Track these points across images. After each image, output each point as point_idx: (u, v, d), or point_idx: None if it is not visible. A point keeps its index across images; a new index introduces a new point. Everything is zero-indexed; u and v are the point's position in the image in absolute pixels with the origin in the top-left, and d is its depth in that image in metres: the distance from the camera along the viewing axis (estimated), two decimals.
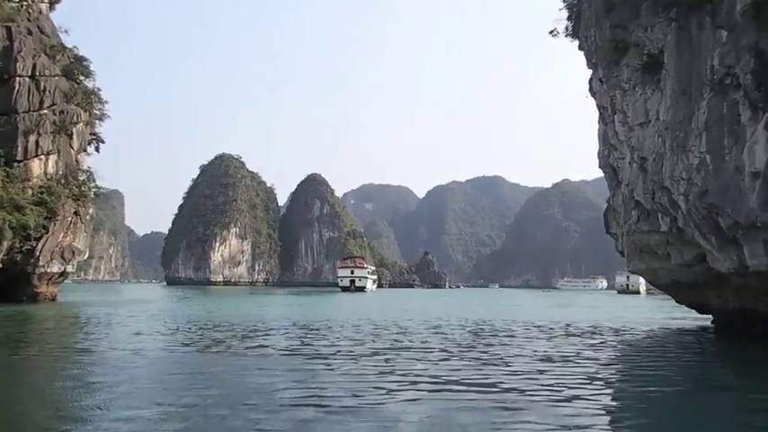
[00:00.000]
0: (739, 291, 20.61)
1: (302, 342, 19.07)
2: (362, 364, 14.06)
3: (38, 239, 40.76)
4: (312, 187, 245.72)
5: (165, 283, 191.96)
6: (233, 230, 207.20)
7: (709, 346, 21.19)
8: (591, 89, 28.51)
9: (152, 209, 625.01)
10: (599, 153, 28.56)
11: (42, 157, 42.95)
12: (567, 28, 29.95)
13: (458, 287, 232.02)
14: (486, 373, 12.79)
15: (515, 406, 9.42)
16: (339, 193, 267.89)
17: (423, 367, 13.61)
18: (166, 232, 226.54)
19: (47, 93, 43.41)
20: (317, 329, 23.90)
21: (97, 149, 51.12)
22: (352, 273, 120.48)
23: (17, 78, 41.79)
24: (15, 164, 41.00)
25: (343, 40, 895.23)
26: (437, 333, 22.91)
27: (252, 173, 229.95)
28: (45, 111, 43.04)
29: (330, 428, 8.01)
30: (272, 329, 23.83)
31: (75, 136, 46.10)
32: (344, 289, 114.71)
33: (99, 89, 50.44)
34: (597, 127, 28.77)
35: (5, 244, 37.97)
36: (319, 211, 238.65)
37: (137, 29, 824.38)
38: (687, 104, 19.27)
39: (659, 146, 20.75)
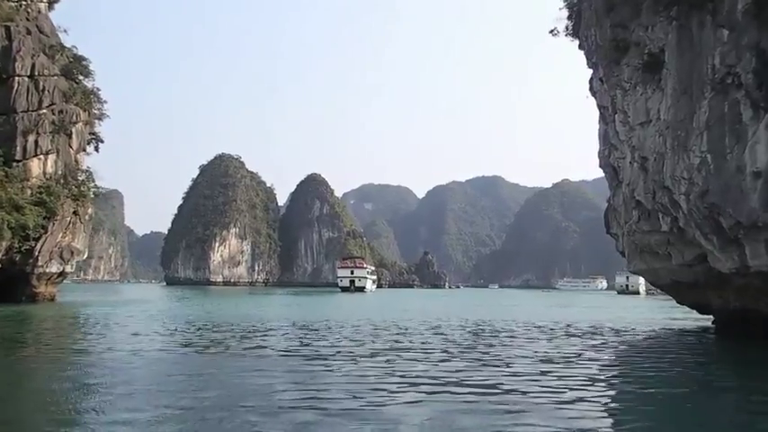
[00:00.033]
0: (740, 291, 20.52)
1: (301, 343, 18.99)
2: (362, 366, 13.97)
3: (37, 239, 40.66)
4: (312, 187, 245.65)
5: (165, 284, 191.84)
6: (233, 230, 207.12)
7: (710, 346, 21.12)
8: (591, 89, 28.43)
9: (152, 209, 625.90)
10: (599, 153, 28.47)
11: (41, 156, 42.86)
12: (567, 27, 29.86)
13: (457, 287, 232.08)
14: (487, 375, 12.70)
15: (517, 408, 9.32)
16: (339, 193, 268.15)
17: (423, 368, 13.52)
18: (166, 232, 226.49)
19: (46, 92, 43.31)
20: (316, 330, 23.82)
21: (96, 149, 51.05)
22: (352, 273, 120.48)
23: (16, 78, 41.69)
24: (14, 163, 40.91)
25: (343, 40, 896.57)
26: (437, 333, 22.83)
27: (251, 173, 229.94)
28: (44, 110, 42.94)
29: (329, 431, 7.91)
30: (271, 330, 23.75)
31: (74, 136, 45.99)
32: (344, 289, 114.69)
33: (98, 89, 50.43)
34: (597, 127, 28.68)
35: (4, 244, 37.87)
36: (319, 212, 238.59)
37: (137, 29, 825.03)
38: (688, 104, 19.19)
39: (660, 145, 20.66)
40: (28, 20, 44.92)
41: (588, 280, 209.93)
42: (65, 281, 52.57)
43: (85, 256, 51.56)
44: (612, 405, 10.35)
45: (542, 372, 13.16)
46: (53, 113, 43.72)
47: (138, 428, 7.80)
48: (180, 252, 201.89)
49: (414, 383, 11.46)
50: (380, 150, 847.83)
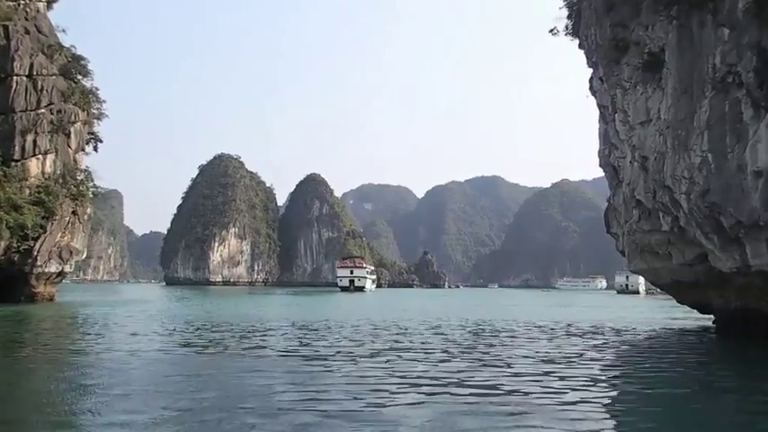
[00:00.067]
0: (741, 290, 20.47)
1: (301, 343, 18.91)
2: (362, 366, 13.89)
3: (35, 239, 40.57)
4: (311, 187, 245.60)
5: (164, 283, 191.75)
6: (232, 230, 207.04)
7: (711, 346, 21.06)
8: (591, 88, 28.36)
9: (151, 209, 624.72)
10: (599, 152, 28.41)
11: (40, 156, 42.78)
12: (567, 27, 29.77)
13: (457, 287, 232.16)
14: (488, 375, 12.61)
15: (519, 409, 9.24)
16: (338, 193, 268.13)
17: (423, 369, 13.44)
18: (165, 232, 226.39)
19: (44, 92, 43.22)
20: (315, 330, 23.74)
21: (95, 149, 50.98)
22: (352, 273, 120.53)
23: (14, 77, 41.59)
24: (13, 163, 40.84)
25: (343, 40, 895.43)
26: (437, 333, 22.75)
27: (251, 173, 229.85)
28: (42, 110, 42.85)
29: None
30: (270, 330, 23.67)
31: (72, 135, 45.89)
32: (344, 289, 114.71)
33: (97, 88, 50.38)
34: (597, 126, 28.62)
35: (3, 244, 37.79)
36: (318, 211, 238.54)
37: (136, 29, 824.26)
38: (689, 103, 19.13)
39: (660, 145, 20.60)
40: (26, 19, 44.83)
41: (588, 279, 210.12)
42: (64, 281, 52.50)
43: (84, 255, 51.48)
44: (615, 406, 10.27)
45: (544, 372, 13.08)
46: (52, 113, 43.64)
47: (135, 430, 7.72)
48: (179, 252, 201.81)
49: (414, 384, 11.38)
50: (380, 150, 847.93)
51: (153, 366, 13.54)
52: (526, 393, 10.57)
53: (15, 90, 41.48)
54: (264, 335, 21.56)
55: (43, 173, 43.05)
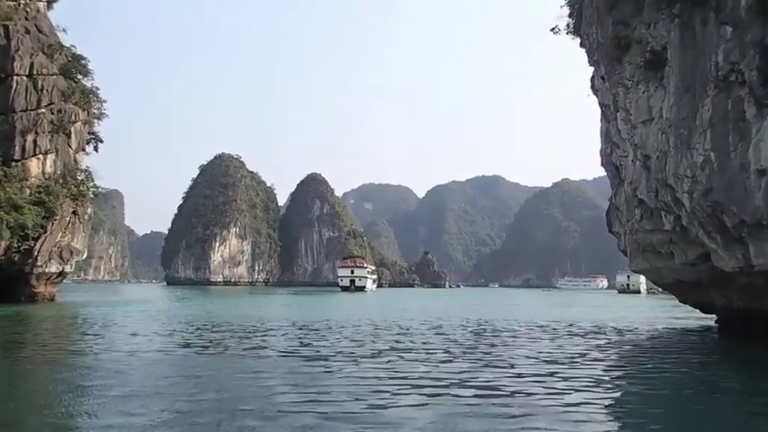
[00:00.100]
0: (744, 290, 20.34)
1: (301, 343, 18.82)
2: (363, 367, 13.79)
3: (36, 239, 40.51)
4: (312, 187, 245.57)
5: (165, 283, 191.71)
6: (233, 230, 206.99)
7: (713, 346, 20.96)
8: (593, 87, 28.25)
9: (152, 209, 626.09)
10: (601, 151, 28.29)
11: (40, 156, 42.71)
12: (568, 25, 29.63)
13: (458, 287, 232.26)
14: (490, 376, 12.51)
15: (523, 411, 9.13)
16: (339, 193, 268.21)
17: (425, 369, 13.34)
18: (166, 232, 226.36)
19: (44, 92, 43.15)
20: (316, 330, 23.65)
21: (96, 149, 50.95)
22: (352, 272, 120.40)
23: (14, 77, 41.51)
24: (13, 163, 40.77)
25: (343, 40, 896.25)
26: (438, 333, 22.66)
27: (251, 172, 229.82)
28: (43, 110, 42.78)
29: None
30: (271, 330, 23.58)
31: (73, 135, 45.83)
32: (344, 289, 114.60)
33: (97, 88, 50.34)
34: (599, 125, 28.52)
35: (3, 244, 37.73)
36: (319, 211, 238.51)
37: (137, 28, 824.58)
38: (691, 101, 18.99)
39: (663, 143, 20.48)
40: (27, 19, 44.75)
41: (589, 279, 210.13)
42: (65, 281, 52.45)
43: (85, 255, 51.41)
44: (618, 408, 10.17)
45: (547, 373, 12.97)
46: (52, 113, 43.57)
47: None
48: (180, 252, 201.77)
49: (416, 385, 11.28)
50: (380, 150, 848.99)
51: (152, 367, 13.43)
52: (529, 394, 10.47)
53: (15, 90, 41.41)
54: (265, 335, 21.47)
55: (43, 173, 42.98)
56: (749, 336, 20.30)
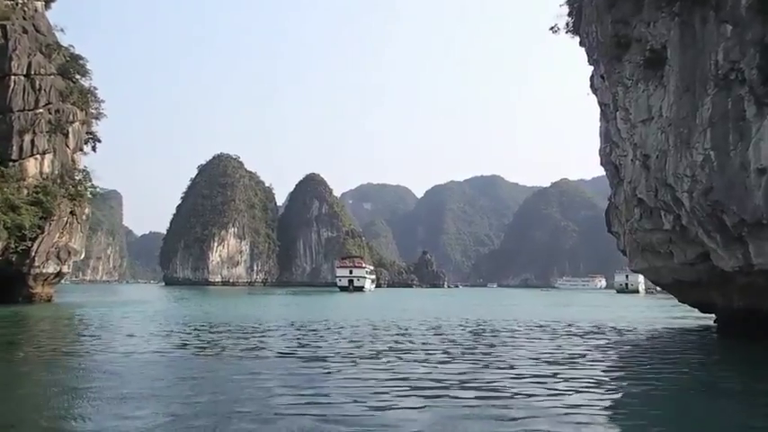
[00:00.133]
0: (744, 290, 20.27)
1: (299, 344, 18.70)
2: (362, 368, 13.68)
3: (33, 240, 40.32)
4: (311, 187, 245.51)
5: (164, 284, 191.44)
6: (231, 230, 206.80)
7: (713, 346, 20.90)
8: (592, 86, 28.18)
9: (150, 209, 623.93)
10: (600, 150, 28.23)
11: (38, 156, 42.54)
12: (567, 24, 29.56)
13: (456, 287, 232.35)
14: (490, 377, 12.41)
15: (523, 413, 9.03)
16: (337, 193, 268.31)
17: (424, 371, 13.23)
18: (165, 232, 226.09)
19: (42, 91, 42.96)
20: (314, 330, 23.54)
21: (94, 149, 50.73)
22: (351, 272, 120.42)
23: (12, 77, 41.32)
24: (10, 163, 40.59)
25: (343, 40, 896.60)
26: (437, 334, 22.56)
27: (250, 172, 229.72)
28: (40, 110, 42.60)
29: None
30: (268, 330, 23.46)
31: (71, 135, 45.64)
32: (343, 289, 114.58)
33: (96, 88, 50.16)
34: (598, 124, 28.46)
35: (0, 244, 37.55)
36: (318, 211, 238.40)
37: (136, 28, 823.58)
38: (691, 100, 18.92)
39: (662, 143, 20.41)
40: (24, 18, 44.56)
41: (587, 279, 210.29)
42: (62, 281, 52.28)
43: (82, 256, 51.22)
44: (619, 409, 10.09)
45: (547, 374, 12.89)
46: (50, 113, 43.39)
47: None
48: (178, 252, 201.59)
49: (415, 387, 11.18)
50: (379, 150, 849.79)
51: (148, 369, 13.29)
52: (529, 396, 10.38)
53: (13, 90, 41.23)
54: (263, 336, 21.35)
55: (41, 173, 42.81)
56: (749, 335, 20.24)
